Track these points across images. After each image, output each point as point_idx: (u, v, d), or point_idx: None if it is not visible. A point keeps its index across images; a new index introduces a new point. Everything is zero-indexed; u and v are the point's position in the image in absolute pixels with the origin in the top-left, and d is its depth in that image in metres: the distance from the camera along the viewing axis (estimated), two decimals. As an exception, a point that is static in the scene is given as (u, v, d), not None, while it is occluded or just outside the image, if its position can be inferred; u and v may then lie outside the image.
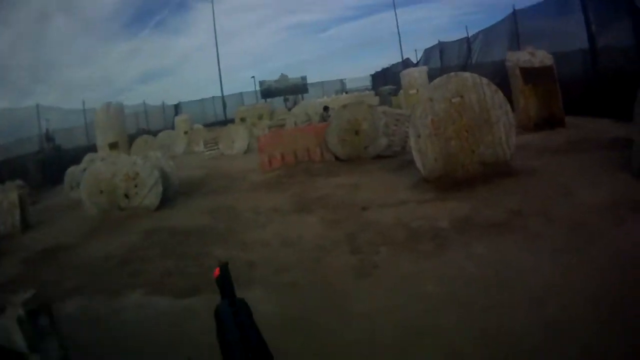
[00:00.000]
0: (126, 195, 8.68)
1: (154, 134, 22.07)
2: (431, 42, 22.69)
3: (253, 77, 33.95)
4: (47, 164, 17.27)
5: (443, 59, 21.13)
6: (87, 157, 13.16)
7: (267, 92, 34.27)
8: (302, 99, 33.00)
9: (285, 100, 34.41)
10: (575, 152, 7.49)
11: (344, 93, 28.76)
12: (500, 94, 7.05)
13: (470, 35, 18.01)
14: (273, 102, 34.69)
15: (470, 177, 6.89)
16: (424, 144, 6.92)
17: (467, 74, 7.11)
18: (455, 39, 19.65)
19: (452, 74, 7.12)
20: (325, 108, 15.22)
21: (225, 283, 1.06)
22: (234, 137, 15.48)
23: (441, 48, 21.60)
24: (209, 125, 27.82)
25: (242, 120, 22.96)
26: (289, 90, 34.23)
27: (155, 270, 5.40)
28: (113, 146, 15.45)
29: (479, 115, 6.99)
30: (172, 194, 9.46)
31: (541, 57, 10.25)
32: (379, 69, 36.38)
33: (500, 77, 10.62)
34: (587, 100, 9.96)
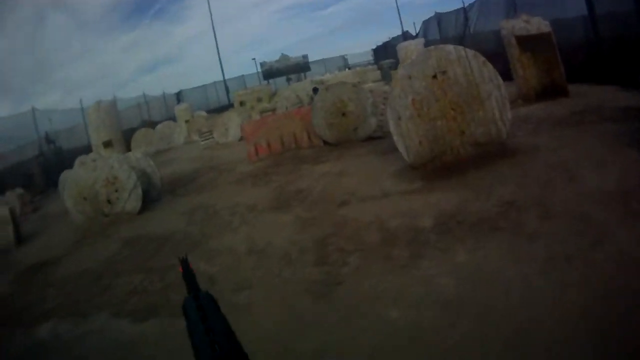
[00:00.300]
0: (108, 201, 8.22)
1: (157, 125, 21.50)
2: (430, 13, 21.48)
3: (254, 59, 32.86)
4: (47, 167, 16.82)
5: (441, 30, 19.94)
6: (78, 160, 12.54)
7: (269, 73, 33.22)
8: (305, 77, 31.97)
9: (288, 79, 33.39)
10: (579, 125, 6.54)
11: (346, 69, 27.62)
12: (490, 66, 6.13)
13: (466, 4, 16.86)
14: (276, 82, 33.73)
15: (462, 161, 6.04)
16: (405, 127, 6.06)
17: (450, 47, 6.16)
18: (452, 10, 18.46)
19: (432, 47, 6.19)
20: (315, 90, 14.29)
21: (187, 277, 0.90)
22: (228, 125, 14.72)
23: (438, 19, 20.39)
24: (211, 112, 27.17)
25: (242, 104, 22.07)
26: (290, 70, 33.13)
27: (124, 287, 5.05)
28: (107, 144, 14.93)
29: (466, 91, 6.09)
30: (155, 194, 8.88)
31: (537, 24, 9.17)
32: (380, 44, 35.04)
33: (499, 47, 9.87)
34: (590, 68, 9.08)
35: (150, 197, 8.83)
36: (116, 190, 8.14)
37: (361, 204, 5.64)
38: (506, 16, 12.02)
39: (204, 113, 22.82)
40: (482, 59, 6.13)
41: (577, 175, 4.68)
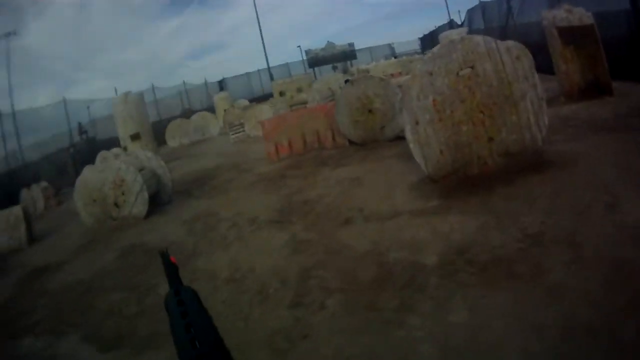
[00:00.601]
0: (116, 204, 8.04)
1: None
2: (477, 2, 20.25)
3: (299, 46, 32.27)
4: (79, 158, 17.08)
5: (485, 20, 18.79)
6: (100, 155, 12.55)
7: (314, 61, 32.56)
8: (351, 65, 31.07)
9: (334, 68, 32.64)
10: (625, 131, 5.53)
11: (392, 58, 26.51)
12: (525, 61, 5.21)
13: None
14: (321, 70, 33.06)
15: (488, 174, 5.19)
16: (424, 133, 5.27)
17: (478, 38, 5.28)
18: None
19: (458, 38, 5.32)
20: (347, 81, 13.47)
21: (169, 271, 0.87)
22: (259, 118, 14.25)
23: (483, 8, 19.20)
24: (255, 100, 26.98)
25: (281, 94, 21.65)
26: (336, 58, 32.30)
27: (103, 306, 4.84)
28: (135, 137, 14.74)
29: (497, 91, 5.20)
30: (166, 197, 8.56)
31: (579, 15, 8.09)
32: (427, 32, 33.53)
33: (542, 39, 9.03)
34: (633, 64, 8.06)
35: (161, 199, 8.54)
36: (123, 193, 7.91)
37: (365, 224, 4.95)
38: (549, 6, 11.14)
39: (246, 102, 22.55)
40: (516, 52, 5.22)
41: (619, 200, 3.78)
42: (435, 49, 5.31)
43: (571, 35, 7.97)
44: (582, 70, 8.09)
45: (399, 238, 4.31)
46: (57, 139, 18.60)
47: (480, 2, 19.69)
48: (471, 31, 17.51)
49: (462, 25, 23.02)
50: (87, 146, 19.17)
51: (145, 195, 7.76)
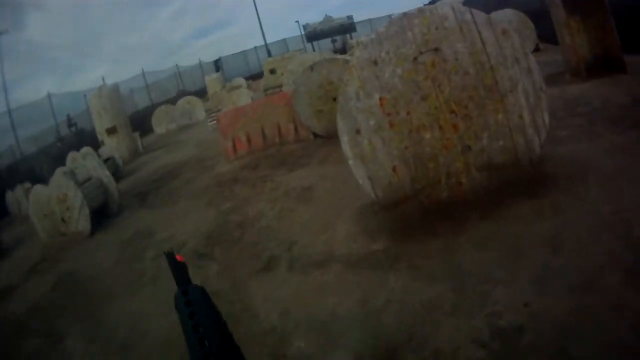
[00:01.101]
0: (63, 220, 7.18)
1: (194, 95, 20.19)
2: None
3: (297, 21, 30.13)
4: (64, 154, 15.97)
5: None
6: (70, 156, 11.30)
7: (312, 35, 30.44)
8: (351, 38, 29.09)
9: (333, 41, 30.66)
10: None
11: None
12: (515, 38, 3.64)
13: None
14: (319, 44, 31.11)
15: (463, 198, 3.68)
16: (368, 145, 3.75)
17: (446, 8, 3.64)
18: None
19: (416, 9, 3.69)
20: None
21: (176, 271, 0.86)
22: (237, 103, 12.76)
23: None
24: (252, 78, 25.49)
25: (272, 72, 20.00)
26: (335, 31, 30.13)
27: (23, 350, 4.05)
28: (111, 131, 13.63)
29: (475, 81, 3.64)
30: (114, 207, 7.55)
31: None
32: (427, 2, 31.15)
33: (543, 6, 7.90)
34: None
35: (110, 211, 7.48)
36: (67, 209, 6.99)
37: (287, 274, 3.55)
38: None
39: (241, 80, 20.94)
40: (501, 26, 3.62)
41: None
42: (382, 29, 3.70)
43: (576, 3, 6.54)
44: (590, 43, 6.63)
45: (316, 312, 2.86)
46: (45, 134, 17.64)
47: None
48: (471, 2, 15.53)
49: None
50: (76, 139, 17.94)
51: (86, 211, 6.81)
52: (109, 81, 24.08)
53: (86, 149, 12.09)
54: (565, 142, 4.34)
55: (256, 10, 31.58)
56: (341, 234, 3.83)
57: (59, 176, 7.67)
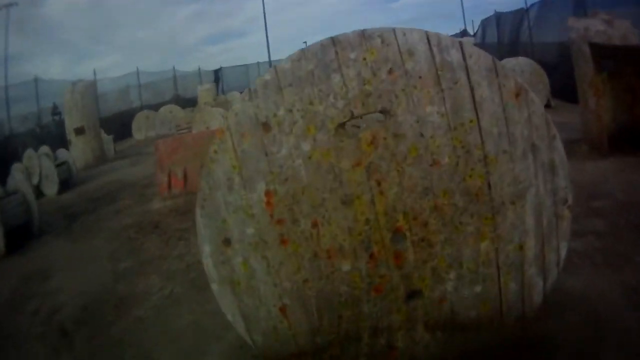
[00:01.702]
0: None
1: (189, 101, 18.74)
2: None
3: (305, 42, 28.52)
4: (45, 141, 14.59)
5: (499, 32, 15.51)
6: (25, 155, 9.76)
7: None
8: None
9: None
10: None
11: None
12: (537, 106, 1.87)
13: (529, 4, 12.87)
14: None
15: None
16: (242, 265, 2.00)
17: (412, 33, 1.89)
18: (514, 9, 14.29)
19: (356, 33, 1.92)
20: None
21: None
22: (209, 123, 11.17)
23: (497, 19, 15.71)
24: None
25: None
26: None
27: None
28: (79, 132, 12.05)
29: (448, 179, 1.92)
30: (35, 229, 6.18)
31: (623, 29, 5.41)
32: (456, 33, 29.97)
33: (560, 59, 7.41)
34: None
35: (32, 232, 6.14)
36: None
37: None
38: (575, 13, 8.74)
39: (238, 95, 19.47)
40: (515, 82, 1.86)
41: None
42: (284, 66, 1.96)
43: (608, 56, 5.33)
44: (617, 110, 5.43)
45: None
46: (34, 117, 16.35)
47: (496, 13, 16.38)
48: (484, 44, 14.13)
49: (474, 36, 19.55)
50: (57, 129, 16.51)
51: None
52: (115, 73, 22.89)
53: (44, 149, 10.59)
54: (577, 265, 2.79)
55: (265, 25, 30.31)
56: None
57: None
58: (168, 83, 22.53)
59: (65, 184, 9.15)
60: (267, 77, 2.00)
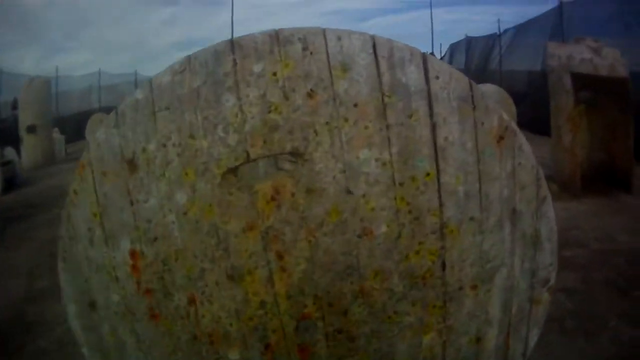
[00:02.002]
0: None
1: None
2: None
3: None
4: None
5: (468, 58, 15.36)
6: None
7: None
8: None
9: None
10: None
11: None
12: (528, 157, 1.28)
13: (501, 30, 12.63)
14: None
15: None
16: (111, 335, 1.43)
17: (355, 40, 1.27)
18: (486, 34, 14.06)
19: (266, 33, 1.30)
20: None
21: None
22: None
23: (468, 44, 15.53)
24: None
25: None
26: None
27: None
28: (30, 130, 11.43)
29: (383, 255, 1.28)
30: None
31: (611, 58, 4.84)
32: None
33: (530, 88, 7.27)
34: None
35: None
36: None
37: None
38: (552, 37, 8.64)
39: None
40: (498, 120, 1.26)
41: None
42: (163, 75, 1.31)
43: (590, 88, 4.95)
44: (593, 146, 5.25)
45: None
46: None
47: (466, 37, 16.19)
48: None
49: (441, 60, 19.49)
50: (16, 124, 15.61)
51: None
52: (82, 72, 21.99)
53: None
54: (542, 334, 2.18)
55: (232, 35, 29.80)
56: None
57: None
58: (129, 86, 21.68)
59: (9, 185, 8.52)
60: (139, 95, 1.36)
